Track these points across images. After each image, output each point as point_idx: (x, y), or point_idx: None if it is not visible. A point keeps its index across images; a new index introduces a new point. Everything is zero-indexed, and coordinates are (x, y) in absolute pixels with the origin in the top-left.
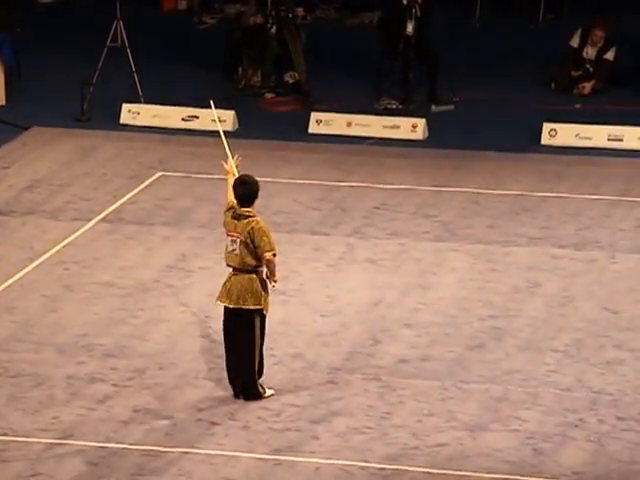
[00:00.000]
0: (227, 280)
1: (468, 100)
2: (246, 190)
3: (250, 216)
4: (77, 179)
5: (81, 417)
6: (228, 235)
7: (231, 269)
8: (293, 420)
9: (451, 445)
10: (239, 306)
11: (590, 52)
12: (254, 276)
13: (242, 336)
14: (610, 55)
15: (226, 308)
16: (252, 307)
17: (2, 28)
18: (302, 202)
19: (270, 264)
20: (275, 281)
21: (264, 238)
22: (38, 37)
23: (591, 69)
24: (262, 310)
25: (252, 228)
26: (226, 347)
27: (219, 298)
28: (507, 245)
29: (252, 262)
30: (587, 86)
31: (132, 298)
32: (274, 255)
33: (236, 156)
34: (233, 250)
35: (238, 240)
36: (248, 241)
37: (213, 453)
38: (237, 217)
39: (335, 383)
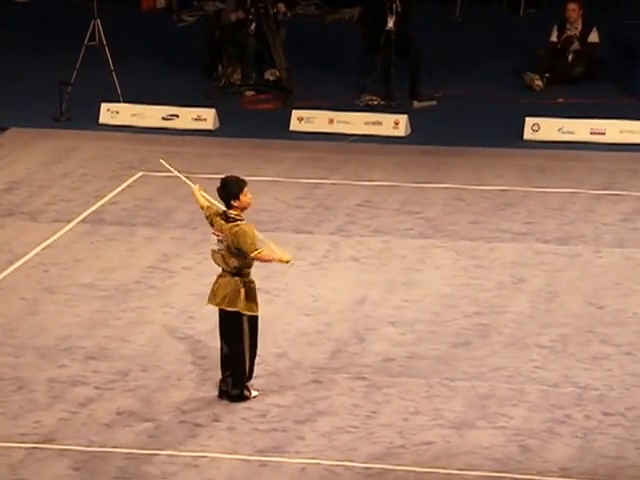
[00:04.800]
0: (215, 281)
1: (450, 96)
2: (225, 192)
3: (236, 219)
4: (56, 180)
5: (63, 421)
6: (214, 233)
7: (220, 269)
8: (278, 420)
9: (437, 443)
10: (223, 307)
11: (574, 44)
12: (238, 279)
13: (230, 337)
14: (594, 37)
15: (219, 309)
16: (235, 309)
17: None
18: (284, 200)
19: (260, 260)
20: (286, 261)
21: (246, 240)
22: (15, 37)
23: (572, 57)
24: (246, 312)
25: (236, 232)
26: (220, 345)
27: (209, 300)
28: (491, 241)
29: (235, 263)
30: (575, 42)
31: (114, 300)
32: (259, 253)
33: (197, 185)
34: (219, 250)
35: (224, 242)
36: (231, 246)
37: (197, 455)
38: (226, 218)
39: (320, 382)
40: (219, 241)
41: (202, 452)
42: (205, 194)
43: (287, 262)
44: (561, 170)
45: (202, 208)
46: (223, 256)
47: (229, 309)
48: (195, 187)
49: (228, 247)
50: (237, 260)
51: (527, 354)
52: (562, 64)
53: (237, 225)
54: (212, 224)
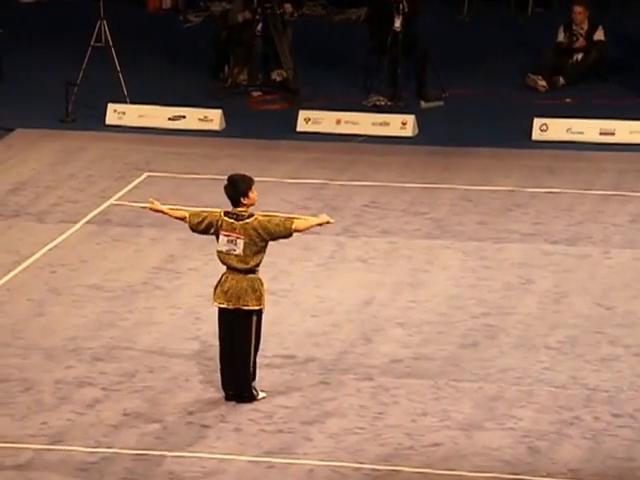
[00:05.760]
0: (224, 281)
1: (458, 96)
2: (229, 190)
3: (249, 215)
4: (63, 181)
5: (70, 422)
6: (223, 235)
7: (226, 268)
8: (285, 422)
9: (446, 445)
10: (239, 307)
11: (579, 41)
12: (254, 276)
13: (239, 337)
14: (600, 35)
15: (223, 309)
16: (252, 307)
17: None
18: (291, 201)
19: (302, 230)
20: (327, 221)
21: (276, 222)
22: (21, 37)
23: (580, 57)
24: (261, 309)
25: (259, 224)
26: (221, 349)
27: (217, 300)
28: (499, 242)
29: (256, 261)
30: (580, 39)
31: (120, 300)
32: (298, 225)
33: (151, 200)
34: (231, 250)
35: (239, 241)
36: (258, 239)
37: (204, 456)
38: (235, 217)
39: (327, 384)
40: (229, 242)
41: (209, 453)
42: (168, 206)
43: (328, 222)
44: (570, 171)
45: (183, 219)
46: (238, 256)
47: (245, 308)
48: (155, 204)
49: (250, 243)
50: (258, 257)
51: (535, 355)
52: (569, 64)
53: (255, 218)
54: (216, 227)
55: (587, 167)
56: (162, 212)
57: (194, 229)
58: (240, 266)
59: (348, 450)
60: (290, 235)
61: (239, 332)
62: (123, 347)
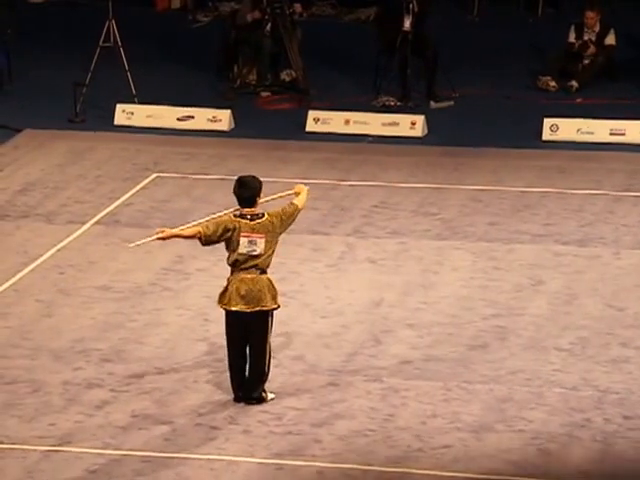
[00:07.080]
0: (238, 285)
1: (467, 96)
2: (246, 191)
3: (262, 214)
4: (71, 182)
5: (78, 423)
6: (243, 237)
7: (238, 271)
8: (294, 423)
9: (455, 446)
10: (259, 309)
11: (590, 49)
12: (266, 275)
13: (257, 338)
14: (611, 39)
15: (236, 312)
16: (270, 307)
17: None
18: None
19: (304, 205)
20: (307, 190)
21: (285, 212)
22: (29, 38)
23: (587, 61)
24: (277, 307)
25: (276, 217)
26: (233, 351)
27: (234, 305)
28: (509, 243)
29: (270, 259)
30: (591, 47)
31: (129, 302)
32: (299, 205)
33: (157, 229)
34: (252, 251)
35: (260, 240)
36: (275, 235)
37: (213, 458)
38: (250, 218)
39: (336, 385)
40: (250, 243)
41: (218, 455)
42: (179, 228)
43: (307, 190)
44: (580, 171)
45: (195, 235)
46: (259, 255)
47: (264, 309)
48: (165, 232)
49: (270, 241)
50: (273, 254)
51: (546, 357)
52: (579, 68)
53: (269, 214)
54: (233, 231)
55: (597, 167)
56: (175, 236)
57: (208, 242)
58: (261, 266)
59: (357, 452)
60: (299, 212)
61: (257, 333)
62: (131, 348)
